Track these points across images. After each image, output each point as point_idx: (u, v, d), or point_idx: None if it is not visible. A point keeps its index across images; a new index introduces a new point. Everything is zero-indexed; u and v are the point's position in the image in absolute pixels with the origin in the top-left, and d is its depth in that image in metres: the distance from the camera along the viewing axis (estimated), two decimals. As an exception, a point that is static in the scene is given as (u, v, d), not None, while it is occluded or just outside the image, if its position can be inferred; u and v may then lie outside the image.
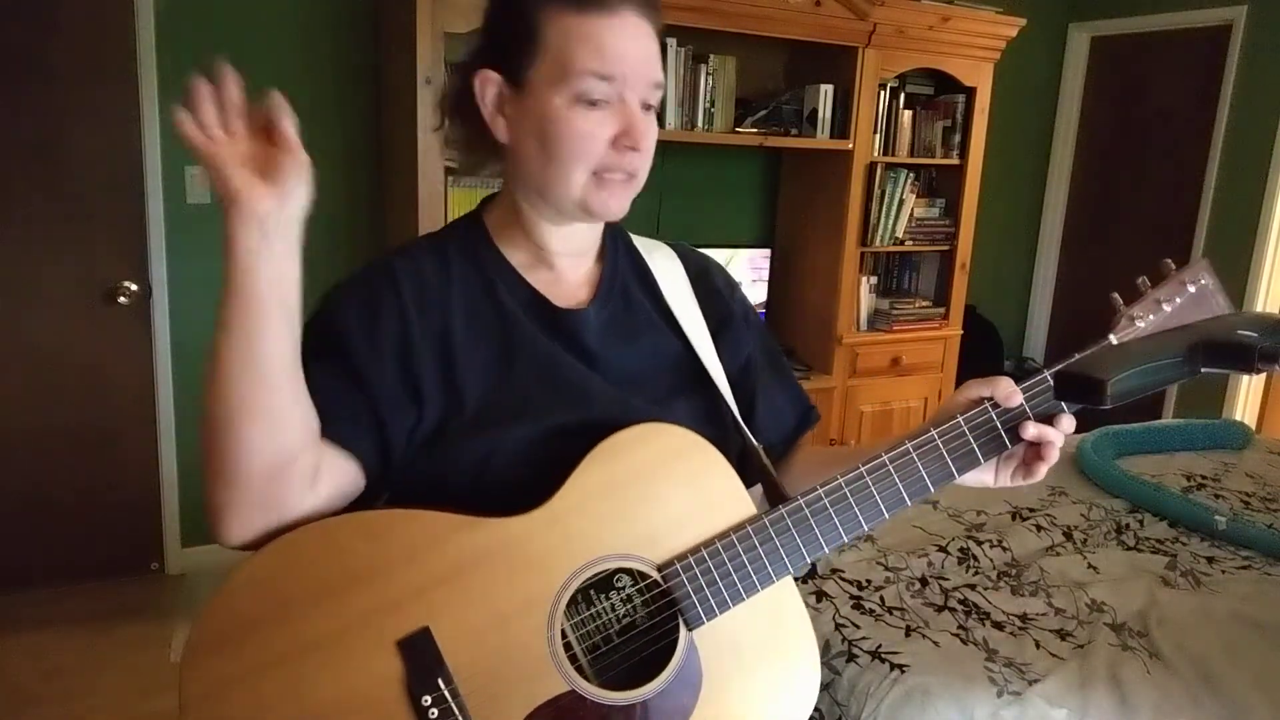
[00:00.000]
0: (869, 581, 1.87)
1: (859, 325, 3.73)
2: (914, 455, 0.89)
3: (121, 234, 2.93)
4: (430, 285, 0.90)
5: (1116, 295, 0.95)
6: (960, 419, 0.90)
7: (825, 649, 1.65)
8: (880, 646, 1.63)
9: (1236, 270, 3.88)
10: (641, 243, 1.04)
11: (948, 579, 1.91)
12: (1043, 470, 0.92)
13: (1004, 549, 2.05)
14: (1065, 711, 1.49)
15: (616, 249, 1.01)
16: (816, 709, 1.58)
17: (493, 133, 0.91)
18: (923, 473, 0.89)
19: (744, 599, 0.87)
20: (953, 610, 1.78)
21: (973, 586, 1.88)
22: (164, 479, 3.12)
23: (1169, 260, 0.95)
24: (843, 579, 1.87)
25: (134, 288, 2.95)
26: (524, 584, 0.83)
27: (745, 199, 3.86)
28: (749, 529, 0.88)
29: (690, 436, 0.88)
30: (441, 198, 2.81)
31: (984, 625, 1.73)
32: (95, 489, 3.05)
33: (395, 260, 0.92)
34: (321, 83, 3.06)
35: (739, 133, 3.36)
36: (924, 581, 1.89)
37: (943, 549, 2.03)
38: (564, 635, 0.85)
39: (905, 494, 0.89)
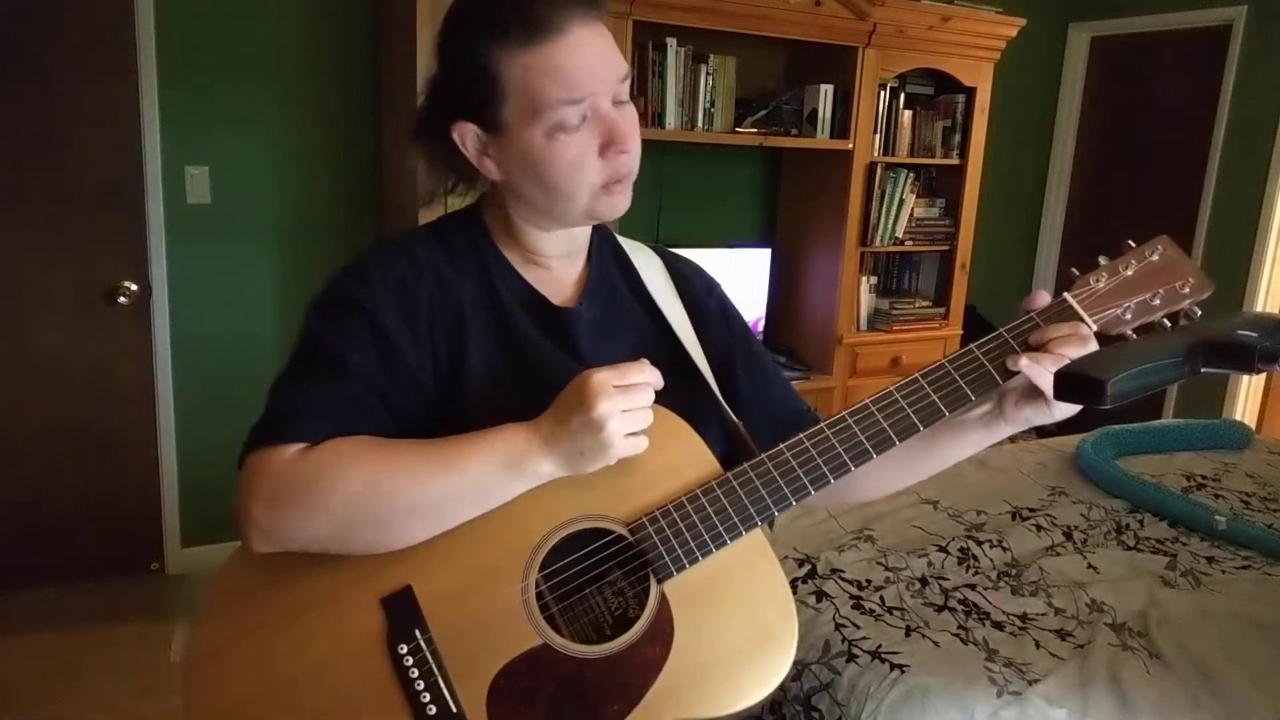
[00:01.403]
0: (869, 581, 1.87)
1: (859, 325, 3.73)
2: (874, 410, 0.92)
3: (121, 234, 2.94)
4: (443, 277, 0.93)
5: (1075, 270, 0.99)
6: (919, 374, 0.94)
7: (825, 649, 1.65)
8: (880, 646, 1.63)
9: (1236, 270, 3.88)
10: (625, 243, 1.07)
11: (948, 579, 1.91)
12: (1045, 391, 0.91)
13: (1004, 549, 2.05)
14: (1065, 711, 1.49)
15: (603, 250, 1.04)
16: (816, 709, 1.58)
17: (481, 174, 0.94)
18: (884, 425, 0.91)
19: (712, 550, 0.88)
20: (953, 610, 1.78)
21: (973, 586, 1.88)
22: (164, 479, 3.12)
23: (1129, 241, 0.99)
24: (843, 579, 1.87)
25: (134, 288, 2.96)
26: (501, 544, 0.87)
27: (745, 199, 3.86)
28: (714, 484, 0.90)
29: (660, 410, 0.88)
30: (441, 198, 2.81)
31: (984, 625, 1.73)
32: (96, 489, 3.05)
33: (416, 247, 0.94)
34: (321, 82, 3.06)
35: (739, 133, 3.36)
36: (924, 581, 1.89)
37: (943, 549, 2.03)
38: (541, 594, 0.88)
39: (868, 445, 0.91)
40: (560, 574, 0.89)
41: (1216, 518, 2.19)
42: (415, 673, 0.84)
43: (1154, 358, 0.91)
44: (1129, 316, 0.97)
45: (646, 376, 0.84)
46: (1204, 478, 2.58)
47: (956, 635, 1.68)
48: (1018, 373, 0.92)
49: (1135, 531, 2.21)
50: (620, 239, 1.07)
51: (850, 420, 0.91)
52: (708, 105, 3.30)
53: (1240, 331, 0.90)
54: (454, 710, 0.84)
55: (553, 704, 0.85)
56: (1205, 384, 3.94)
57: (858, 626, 1.69)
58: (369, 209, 3.21)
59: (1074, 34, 4.47)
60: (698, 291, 1.07)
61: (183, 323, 3.06)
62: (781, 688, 1.67)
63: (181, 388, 3.09)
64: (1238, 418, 3.86)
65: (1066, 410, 0.92)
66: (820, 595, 1.80)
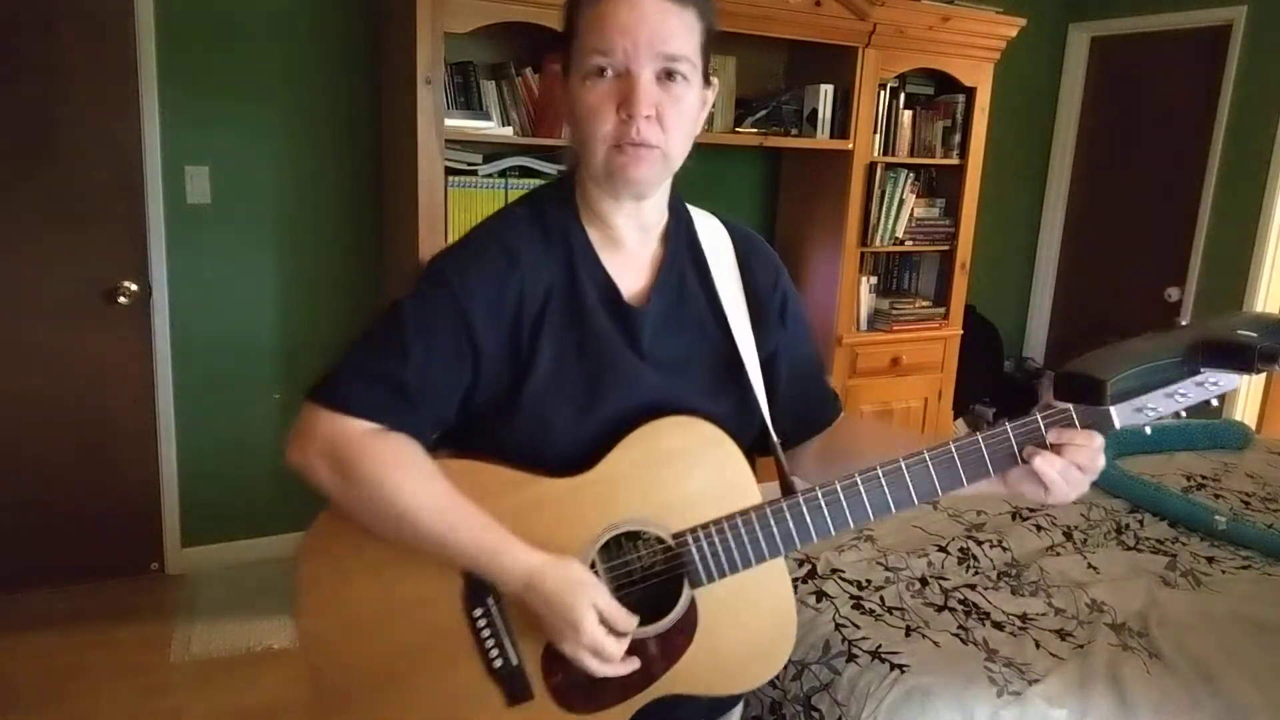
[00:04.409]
0: (869, 581, 1.87)
1: (859, 325, 3.73)
2: (904, 469, 0.99)
3: (121, 234, 2.94)
4: (536, 264, 1.01)
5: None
6: (951, 443, 0.99)
7: (825, 649, 1.65)
8: (880, 646, 1.63)
9: (1236, 270, 3.88)
10: (699, 219, 1.12)
11: (948, 579, 1.91)
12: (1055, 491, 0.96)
13: (1004, 549, 2.06)
14: (1065, 711, 1.49)
15: (679, 238, 1.09)
16: (816, 709, 1.58)
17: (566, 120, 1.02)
18: (910, 485, 0.99)
19: (740, 570, 1.01)
20: (953, 610, 1.78)
21: (973, 586, 1.88)
22: (164, 479, 3.12)
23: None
24: (843, 579, 1.87)
25: (134, 288, 2.96)
26: (566, 531, 0.99)
27: (745, 199, 3.86)
28: (752, 514, 1.00)
29: (717, 433, 1.01)
30: (441, 198, 2.81)
31: (984, 625, 1.73)
32: (95, 489, 3.05)
33: (511, 236, 1.02)
34: (322, 82, 3.06)
35: (739, 133, 3.36)
36: (924, 581, 1.89)
37: (943, 549, 2.03)
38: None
39: (891, 501, 0.99)
40: (614, 563, 1.02)
41: (1216, 518, 2.19)
42: (486, 631, 0.99)
43: (1154, 358, 0.91)
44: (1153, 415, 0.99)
45: (627, 632, 0.96)
46: (1204, 478, 2.58)
47: (956, 635, 1.68)
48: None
49: (1135, 531, 2.21)
50: (694, 212, 1.12)
51: (881, 476, 0.99)
52: (708, 105, 3.30)
53: (1240, 331, 0.90)
54: (515, 663, 0.99)
55: None
56: (1205, 384, 3.93)
57: (858, 626, 1.69)
58: (369, 208, 3.21)
59: (1074, 34, 4.47)
60: (761, 287, 1.13)
61: (183, 323, 3.06)
62: (782, 688, 1.68)
63: (181, 388, 3.09)
64: (1238, 418, 3.86)
65: (1063, 497, 0.97)
66: (820, 595, 1.80)
